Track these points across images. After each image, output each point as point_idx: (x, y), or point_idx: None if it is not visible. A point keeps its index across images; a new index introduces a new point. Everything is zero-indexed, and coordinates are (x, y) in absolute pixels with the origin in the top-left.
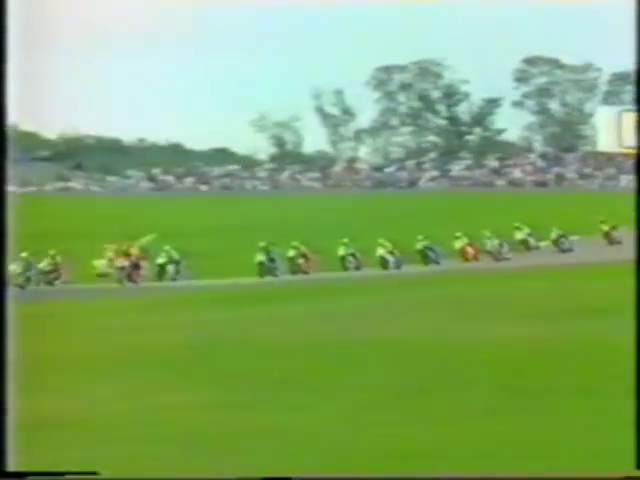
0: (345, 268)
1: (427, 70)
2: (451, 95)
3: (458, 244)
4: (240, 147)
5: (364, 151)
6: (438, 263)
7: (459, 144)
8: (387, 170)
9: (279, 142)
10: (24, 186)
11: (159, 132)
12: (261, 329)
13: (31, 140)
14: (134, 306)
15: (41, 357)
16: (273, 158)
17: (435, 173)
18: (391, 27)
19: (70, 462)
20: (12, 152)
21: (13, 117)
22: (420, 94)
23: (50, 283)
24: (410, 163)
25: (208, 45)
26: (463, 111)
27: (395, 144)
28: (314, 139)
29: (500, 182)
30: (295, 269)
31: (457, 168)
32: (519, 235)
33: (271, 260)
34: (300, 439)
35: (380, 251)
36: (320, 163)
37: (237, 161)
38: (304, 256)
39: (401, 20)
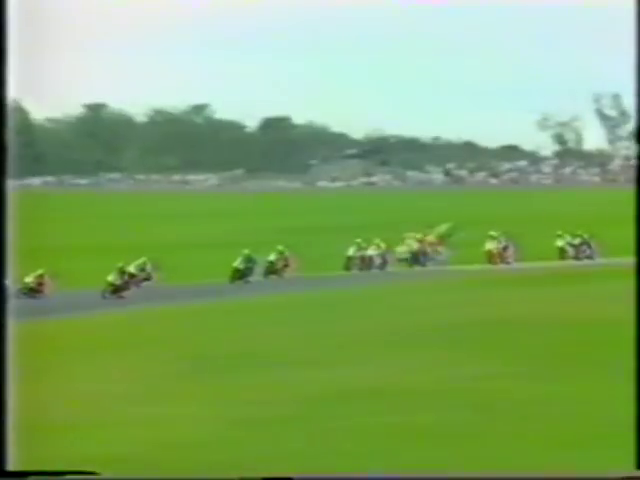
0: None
1: None
2: None
3: (489, 245)
4: (526, 144)
5: None
6: (424, 266)
7: None
8: None
9: (561, 140)
10: (333, 182)
11: (454, 131)
12: (541, 308)
13: (341, 140)
14: (438, 287)
15: (349, 333)
16: (556, 154)
17: None
18: None
19: (384, 427)
20: (323, 151)
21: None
22: None
23: (33, 297)
24: None
25: (485, 46)
26: None
27: None
28: (593, 138)
29: None
30: (271, 271)
31: None
32: (559, 243)
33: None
34: (569, 408)
35: (370, 251)
36: (599, 160)
37: (523, 157)
38: (285, 260)
39: None
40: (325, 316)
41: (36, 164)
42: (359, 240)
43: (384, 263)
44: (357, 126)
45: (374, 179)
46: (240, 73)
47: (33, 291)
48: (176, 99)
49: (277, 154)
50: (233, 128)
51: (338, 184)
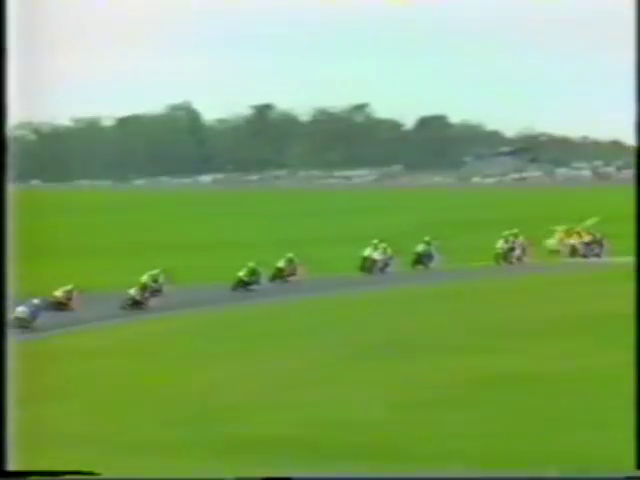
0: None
1: None
2: None
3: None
4: None
5: None
6: (427, 266)
7: None
8: None
9: None
10: (486, 178)
11: (602, 129)
12: None
13: (493, 138)
14: (599, 278)
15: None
16: None
17: None
18: None
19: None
20: (477, 148)
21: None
22: None
23: (60, 310)
24: None
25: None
26: None
27: None
28: None
29: None
30: (276, 277)
31: None
32: (572, 240)
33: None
34: None
35: (372, 253)
36: None
37: None
38: (294, 269)
39: None
40: (472, 306)
41: (207, 162)
42: (375, 241)
43: (385, 266)
44: (509, 125)
45: (525, 175)
46: (397, 74)
47: (62, 305)
48: (338, 99)
49: (433, 151)
50: (391, 126)
51: (491, 180)
